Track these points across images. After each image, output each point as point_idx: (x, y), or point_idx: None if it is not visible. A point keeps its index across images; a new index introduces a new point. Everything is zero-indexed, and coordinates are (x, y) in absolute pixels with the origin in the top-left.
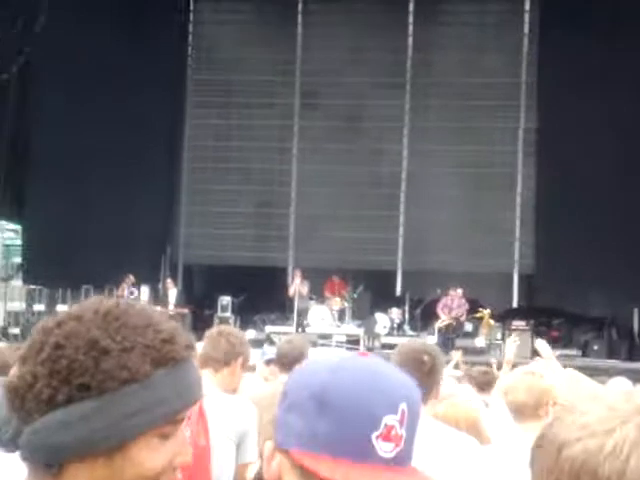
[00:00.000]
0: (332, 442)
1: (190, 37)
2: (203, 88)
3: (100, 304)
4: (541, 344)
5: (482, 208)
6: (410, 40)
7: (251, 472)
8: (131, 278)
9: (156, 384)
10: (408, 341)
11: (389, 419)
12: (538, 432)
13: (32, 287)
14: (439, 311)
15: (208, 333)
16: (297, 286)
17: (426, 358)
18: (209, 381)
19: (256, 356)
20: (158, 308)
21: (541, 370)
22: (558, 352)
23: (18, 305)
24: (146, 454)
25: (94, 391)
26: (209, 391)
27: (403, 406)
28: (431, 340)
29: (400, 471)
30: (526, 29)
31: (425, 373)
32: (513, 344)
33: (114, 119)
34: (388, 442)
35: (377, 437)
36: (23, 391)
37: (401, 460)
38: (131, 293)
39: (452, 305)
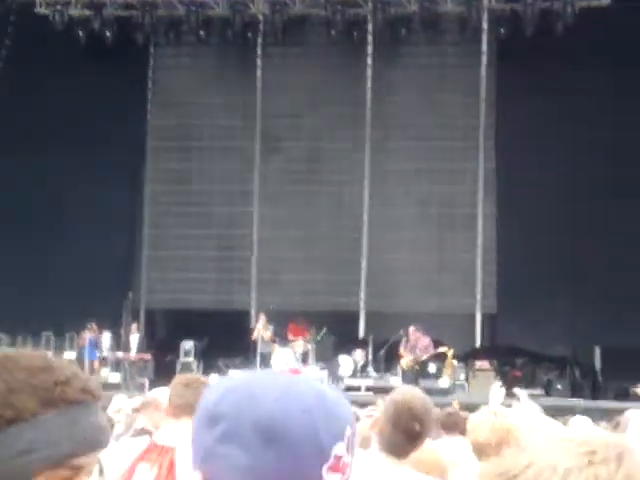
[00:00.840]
0: (279, 478)
1: (149, 82)
2: (163, 133)
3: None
4: (519, 391)
5: (444, 248)
6: (369, 82)
7: None
8: (93, 326)
9: (45, 424)
10: (401, 402)
11: (338, 448)
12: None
13: None
14: (402, 351)
15: (174, 383)
16: (260, 330)
17: (418, 428)
18: (182, 431)
19: None
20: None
21: (505, 410)
22: (519, 391)
23: None
24: None
25: None
26: (182, 442)
27: (348, 431)
28: (395, 381)
29: None
30: (483, 71)
31: (414, 439)
32: (499, 390)
33: (73, 166)
34: (336, 473)
35: (327, 469)
36: None
37: None
38: (94, 341)
39: (416, 345)
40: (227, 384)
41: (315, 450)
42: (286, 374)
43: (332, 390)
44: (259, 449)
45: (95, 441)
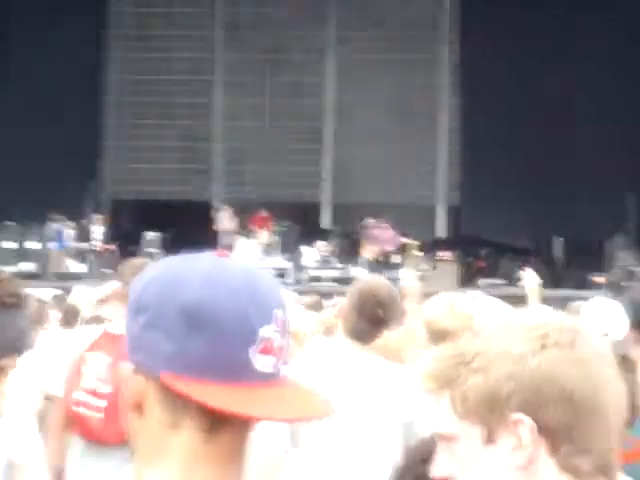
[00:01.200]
0: (206, 362)
1: None
2: (123, 21)
3: None
4: (528, 274)
5: (408, 140)
6: None
7: None
8: (57, 216)
9: None
10: (366, 289)
11: (266, 330)
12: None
13: None
14: (364, 243)
15: (125, 271)
16: (224, 220)
17: (382, 314)
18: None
19: None
20: None
21: (462, 297)
22: (484, 281)
23: None
24: None
25: None
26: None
27: (279, 313)
28: (359, 272)
29: (275, 384)
30: None
31: (378, 325)
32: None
33: (34, 53)
34: (267, 355)
35: (255, 352)
36: None
37: (278, 373)
38: (60, 232)
39: (381, 237)
40: (152, 272)
41: (240, 332)
42: (212, 257)
43: (263, 272)
44: (183, 334)
45: (17, 345)
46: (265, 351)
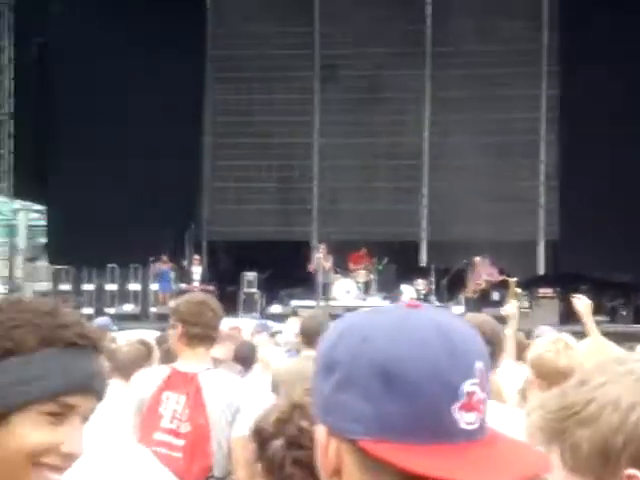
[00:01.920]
0: (406, 424)
1: (208, 12)
2: (222, 64)
3: (14, 295)
4: (581, 303)
5: (505, 176)
6: (429, 8)
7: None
8: (164, 258)
9: (39, 360)
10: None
11: (468, 385)
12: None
13: (58, 267)
14: (468, 281)
15: (187, 311)
16: (320, 260)
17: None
18: (201, 359)
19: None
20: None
21: (569, 338)
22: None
23: (45, 285)
24: (28, 429)
25: None
26: (203, 369)
27: (479, 365)
28: (458, 310)
29: (482, 442)
30: None
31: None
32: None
33: (136, 97)
34: (470, 412)
35: (458, 409)
36: None
37: (484, 428)
38: (166, 273)
39: (480, 274)
40: (340, 327)
41: (440, 388)
42: (401, 308)
43: (457, 321)
44: (379, 394)
45: (87, 384)
46: (468, 407)
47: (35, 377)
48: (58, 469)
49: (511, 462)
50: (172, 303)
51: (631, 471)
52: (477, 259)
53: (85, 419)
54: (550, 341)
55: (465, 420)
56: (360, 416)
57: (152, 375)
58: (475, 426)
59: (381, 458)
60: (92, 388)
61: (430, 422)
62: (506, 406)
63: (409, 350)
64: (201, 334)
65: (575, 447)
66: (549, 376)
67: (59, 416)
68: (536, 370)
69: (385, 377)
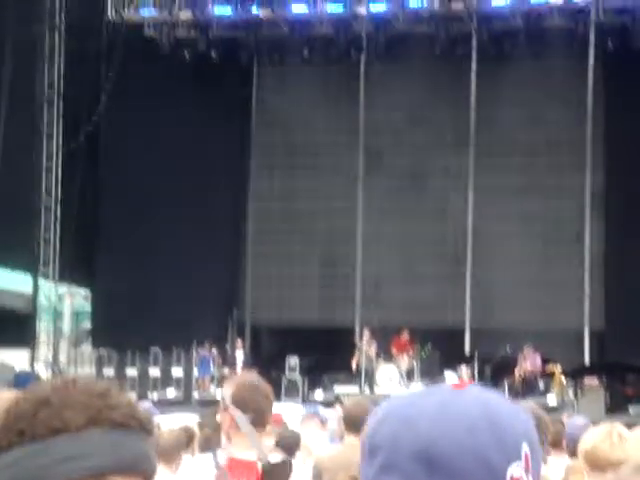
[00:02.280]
0: None
1: (254, 100)
2: (267, 150)
3: (69, 377)
4: None
5: (550, 264)
6: (473, 97)
7: None
8: (207, 344)
9: (87, 439)
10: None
11: (514, 469)
12: None
13: (101, 351)
14: (512, 369)
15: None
16: (363, 348)
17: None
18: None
19: (330, 416)
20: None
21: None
22: (635, 408)
23: (88, 369)
24: None
25: (27, 437)
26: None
27: (525, 448)
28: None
29: None
30: (591, 83)
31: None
32: None
33: (181, 185)
34: None
35: None
36: None
37: None
38: (208, 358)
39: (525, 363)
40: (384, 410)
41: (485, 474)
42: (445, 390)
43: (502, 402)
44: (421, 478)
45: (134, 464)
46: None
47: (81, 455)
48: None
49: None
50: (225, 387)
51: None
52: (523, 348)
53: None
54: (605, 431)
55: None
56: None
57: (205, 463)
58: None
59: None
60: (139, 468)
61: None
62: None
63: (447, 433)
64: (254, 419)
65: None
66: (602, 467)
67: None
68: (589, 461)
69: (426, 462)
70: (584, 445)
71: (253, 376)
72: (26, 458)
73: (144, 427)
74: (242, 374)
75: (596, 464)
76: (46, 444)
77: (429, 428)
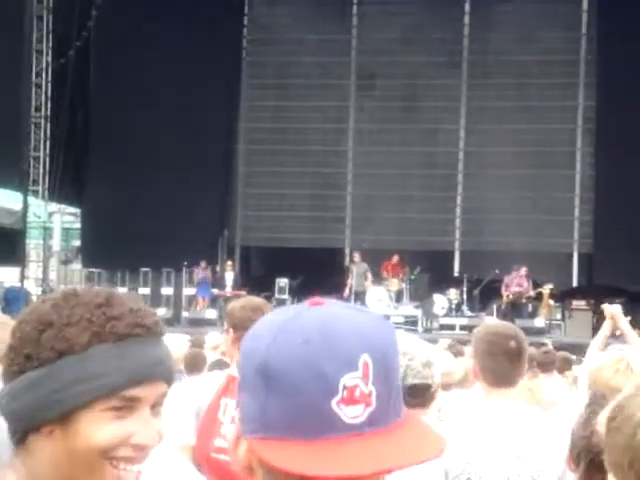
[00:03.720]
0: (287, 422)
1: (245, 19)
2: (259, 70)
3: (71, 287)
4: (613, 308)
5: (540, 187)
6: (467, 18)
7: None
8: (203, 264)
9: (93, 357)
10: (491, 326)
11: (348, 379)
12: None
13: (91, 270)
14: (502, 290)
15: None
16: (355, 268)
17: (513, 344)
18: None
19: None
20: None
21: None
22: (619, 332)
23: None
24: (93, 428)
25: (35, 362)
26: None
27: (365, 358)
28: (490, 320)
29: (377, 434)
30: (585, 5)
31: (512, 359)
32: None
33: (171, 103)
34: (354, 405)
35: (338, 403)
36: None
37: (378, 420)
38: (205, 279)
39: (513, 284)
40: (248, 333)
41: (318, 384)
42: (299, 307)
43: (352, 316)
44: (263, 393)
45: (148, 374)
46: (350, 401)
47: (92, 375)
48: (132, 460)
49: (400, 449)
50: (228, 308)
51: None
52: (512, 269)
53: (156, 406)
54: (616, 358)
55: (348, 414)
56: (250, 415)
57: (208, 381)
58: (361, 419)
59: (260, 456)
60: (154, 376)
61: (310, 419)
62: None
63: (283, 349)
64: None
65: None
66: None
67: (125, 409)
68: (590, 380)
69: (265, 376)
70: (591, 365)
71: (256, 298)
72: (37, 383)
73: (152, 331)
74: (247, 296)
75: (595, 385)
76: (54, 368)
77: (269, 343)
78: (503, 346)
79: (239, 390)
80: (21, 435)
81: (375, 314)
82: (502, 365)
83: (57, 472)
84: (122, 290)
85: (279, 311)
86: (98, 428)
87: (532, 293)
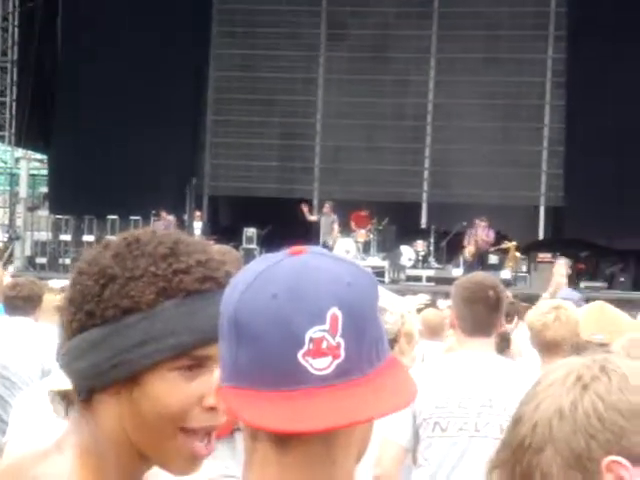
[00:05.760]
0: (255, 372)
1: None
2: (228, 18)
3: (131, 233)
4: (560, 266)
5: (509, 140)
6: None
7: None
8: (163, 213)
9: (161, 315)
10: (472, 275)
11: (314, 331)
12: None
13: (58, 217)
14: (466, 243)
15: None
16: (323, 218)
17: (491, 293)
18: None
19: None
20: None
21: (567, 303)
22: (584, 284)
23: (44, 235)
24: (162, 389)
25: (98, 319)
26: None
27: (333, 311)
28: (456, 272)
29: (349, 385)
30: None
31: (491, 308)
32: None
33: (139, 50)
34: (321, 357)
35: (304, 355)
36: (59, 316)
37: (347, 372)
38: (167, 228)
39: (477, 235)
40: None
41: (282, 337)
42: (278, 256)
43: (323, 270)
44: (234, 343)
45: (217, 331)
46: (317, 353)
47: (161, 334)
48: (206, 432)
49: (365, 402)
50: None
51: (609, 458)
52: (475, 221)
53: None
54: (549, 306)
55: (315, 366)
56: (224, 363)
57: None
58: (328, 371)
59: (225, 404)
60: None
61: (276, 370)
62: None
63: (252, 301)
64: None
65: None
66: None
67: (195, 368)
68: (535, 339)
69: (236, 326)
70: (531, 322)
71: (225, 246)
72: (102, 342)
73: (222, 284)
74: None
75: (543, 343)
76: (119, 326)
77: (241, 293)
78: (482, 295)
79: (219, 337)
80: (86, 395)
81: (355, 264)
82: (479, 313)
83: (124, 437)
84: (89, 238)
85: (261, 259)
86: (166, 390)
87: (499, 246)
